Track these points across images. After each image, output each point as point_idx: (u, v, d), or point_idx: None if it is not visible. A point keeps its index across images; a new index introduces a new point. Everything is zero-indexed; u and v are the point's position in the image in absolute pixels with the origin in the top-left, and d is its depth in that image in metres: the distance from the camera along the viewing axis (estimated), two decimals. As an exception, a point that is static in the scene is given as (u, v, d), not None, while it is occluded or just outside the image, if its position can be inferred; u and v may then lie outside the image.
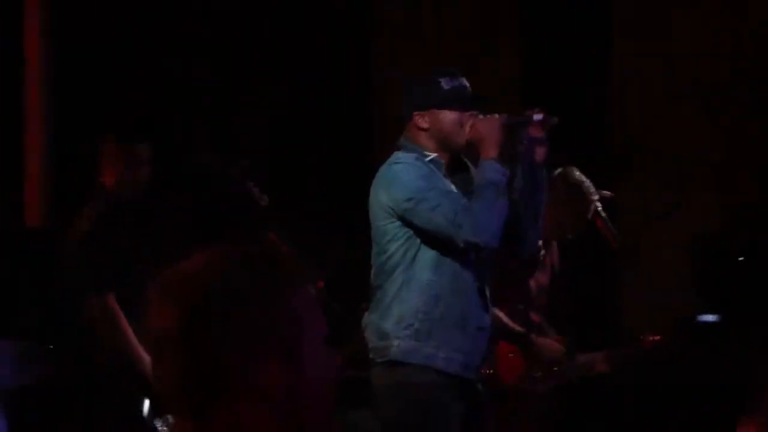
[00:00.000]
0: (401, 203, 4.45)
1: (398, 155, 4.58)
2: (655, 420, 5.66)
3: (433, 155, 4.56)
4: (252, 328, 1.67)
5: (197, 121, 7.37)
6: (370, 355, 4.65)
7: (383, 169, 4.57)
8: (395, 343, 4.49)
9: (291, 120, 8.02)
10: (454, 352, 4.50)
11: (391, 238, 4.51)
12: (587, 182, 5.57)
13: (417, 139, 4.57)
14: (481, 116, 4.56)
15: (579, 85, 7.86)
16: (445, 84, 4.58)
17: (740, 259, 5.60)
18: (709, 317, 5.43)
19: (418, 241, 4.48)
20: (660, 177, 7.61)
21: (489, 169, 4.48)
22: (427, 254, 4.49)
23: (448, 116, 4.56)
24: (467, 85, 4.63)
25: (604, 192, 5.63)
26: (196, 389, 1.65)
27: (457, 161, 4.69)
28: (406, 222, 4.47)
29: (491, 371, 5.25)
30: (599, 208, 5.55)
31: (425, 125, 4.55)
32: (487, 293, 4.63)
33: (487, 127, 4.51)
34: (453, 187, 4.58)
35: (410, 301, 4.50)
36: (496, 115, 4.55)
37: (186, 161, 6.76)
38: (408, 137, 4.61)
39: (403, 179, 4.48)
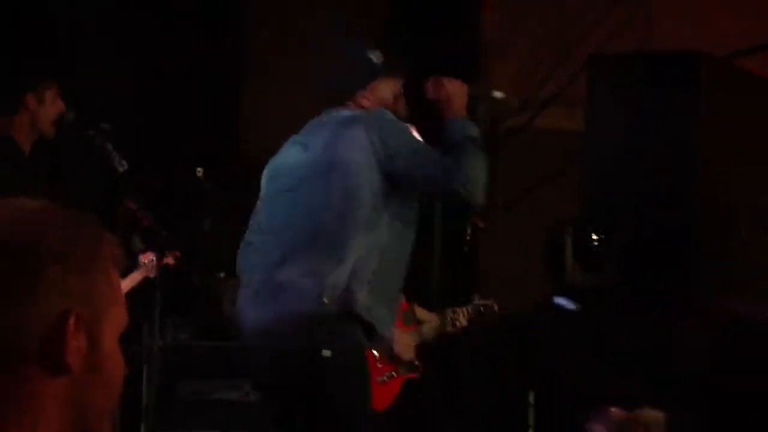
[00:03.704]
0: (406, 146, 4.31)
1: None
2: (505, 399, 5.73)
3: None
4: (62, 290, 1.58)
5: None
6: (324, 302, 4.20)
7: (377, 113, 4.37)
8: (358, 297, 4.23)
9: (158, 88, 7.92)
10: None
11: (369, 188, 4.27)
12: None
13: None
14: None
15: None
16: (374, 57, 4.51)
17: (594, 237, 5.65)
18: (563, 300, 5.48)
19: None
20: (522, 160, 7.71)
21: (466, 126, 4.41)
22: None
23: (388, 86, 4.50)
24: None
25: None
26: None
27: None
28: (386, 172, 4.27)
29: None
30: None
31: (368, 103, 4.45)
32: None
33: (456, 88, 4.48)
34: None
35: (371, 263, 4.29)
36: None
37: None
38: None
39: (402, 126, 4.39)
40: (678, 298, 5.91)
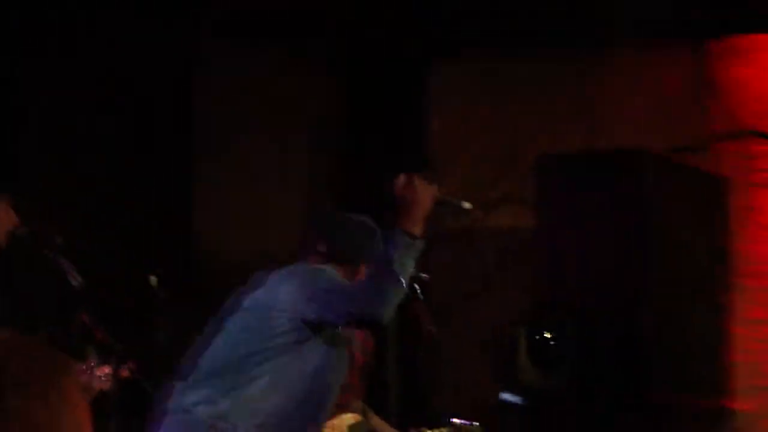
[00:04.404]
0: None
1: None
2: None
3: None
4: (22, 418, 1.60)
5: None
6: None
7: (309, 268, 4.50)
8: None
9: (110, 199, 7.96)
10: None
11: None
12: None
13: None
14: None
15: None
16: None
17: (547, 336, 5.68)
18: (510, 397, 5.48)
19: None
20: (473, 254, 7.76)
21: (409, 246, 4.27)
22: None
23: None
24: None
25: (423, 275, 5.67)
26: None
27: None
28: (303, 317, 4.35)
29: None
30: (418, 291, 5.59)
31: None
32: None
33: (426, 194, 4.30)
34: None
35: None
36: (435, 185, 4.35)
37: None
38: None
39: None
40: (630, 393, 5.94)
